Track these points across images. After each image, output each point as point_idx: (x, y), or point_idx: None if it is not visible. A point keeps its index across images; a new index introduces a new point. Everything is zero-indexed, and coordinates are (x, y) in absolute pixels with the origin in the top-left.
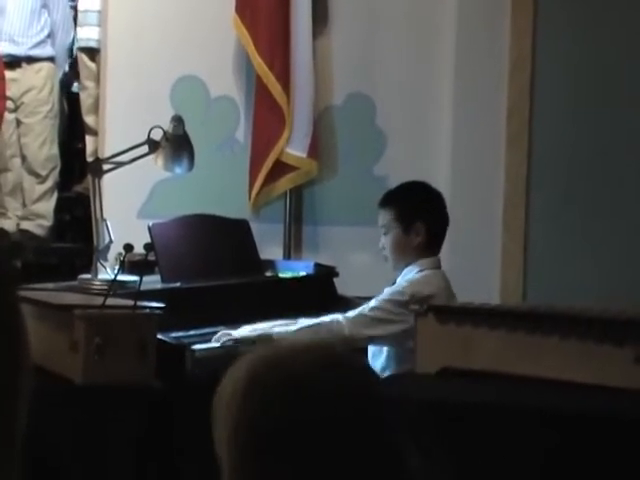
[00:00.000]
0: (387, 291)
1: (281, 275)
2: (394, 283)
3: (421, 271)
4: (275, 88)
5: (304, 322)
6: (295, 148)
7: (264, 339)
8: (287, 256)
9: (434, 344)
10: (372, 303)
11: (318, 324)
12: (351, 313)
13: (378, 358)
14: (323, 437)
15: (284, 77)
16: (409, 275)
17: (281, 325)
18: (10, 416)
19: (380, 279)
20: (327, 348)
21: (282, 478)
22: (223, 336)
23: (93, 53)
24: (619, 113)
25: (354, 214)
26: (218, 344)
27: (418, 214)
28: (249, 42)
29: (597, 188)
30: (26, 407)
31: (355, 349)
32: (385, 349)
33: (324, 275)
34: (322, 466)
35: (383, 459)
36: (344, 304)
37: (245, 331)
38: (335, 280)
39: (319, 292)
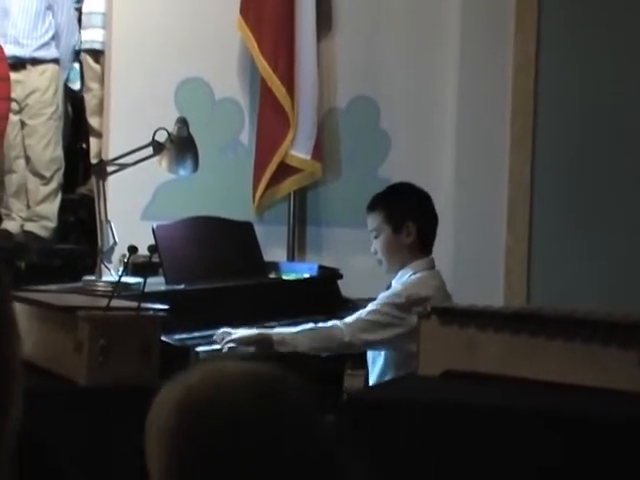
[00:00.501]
0: (383, 295)
1: (285, 277)
2: (388, 287)
3: (415, 273)
4: (279, 90)
5: (305, 326)
6: (299, 150)
7: (263, 339)
8: (291, 258)
9: (437, 346)
10: (369, 307)
11: (318, 329)
12: (349, 319)
13: (377, 362)
14: (254, 468)
15: (288, 79)
16: (404, 278)
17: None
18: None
19: (383, 281)
20: (257, 376)
21: None
22: (224, 335)
23: (97, 55)
24: (623, 116)
25: (358, 216)
26: (219, 346)
27: (408, 214)
28: (253, 44)
29: (601, 190)
30: (17, 406)
31: (353, 354)
32: (383, 354)
33: (328, 277)
34: None
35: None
36: (348, 306)
37: (245, 331)
38: (339, 282)
39: (323, 294)
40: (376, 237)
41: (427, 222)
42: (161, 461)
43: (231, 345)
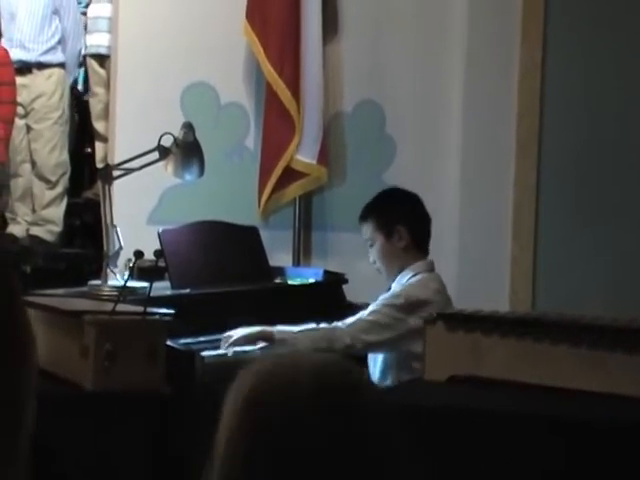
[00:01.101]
0: (382, 297)
1: (290, 282)
2: (389, 290)
3: (415, 275)
4: (285, 95)
5: (306, 326)
6: (305, 155)
7: (265, 336)
8: (296, 263)
9: (443, 352)
10: (369, 309)
11: (319, 329)
12: (350, 320)
13: (377, 363)
14: (313, 465)
15: (294, 84)
16: (403, 280)
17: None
18: (14, 420)
19: (387, 286)
20: (324, 366)
21: None
22: (226, 338)
23: (103, 59)
24: (629, 119)
25: None
26: (224, 350)
27: (396, 218)
28: (259, 49)
29: (607, 195)
30: (31, 410)
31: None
32: (381, 355)
33: (333, 282)
34: None
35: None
36: (353, 311)
37: (246, 329)
38: (344, 287)
39: (328, 299)
40: (371, 246)
41: (418, 223)
42: (226, 447)
43: (235, 348)
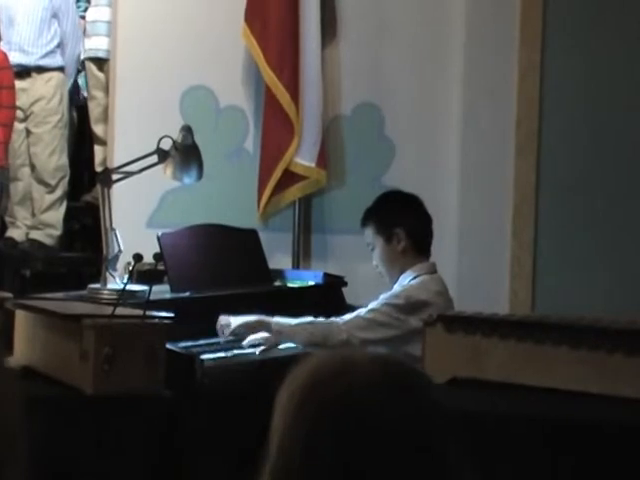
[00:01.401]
0: (383, 296)
1: (290, 285)
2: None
3: (416, 277)
4: (284, 98)
5: (304, 319)
6: (304, 157)
7: (262, 324)
8: (296, 265)
9: (443, 354)
10: (369, 307)
11: (316, 323)
12: (348, 316)
13: None
14: (373, 454)
15: (293, 87)
16: (404, 282)
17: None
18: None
19: (388, 288)
20: (383, 360)
21: None
22: (222, 327)
23: (101, 63)
24: (628, 122)
25: None
26: (221, 339)
27: (394, 221)
28: (258, 52)
29: (607, 197)
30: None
31: None
32: None
33: (333, 285)
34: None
35: (432, 474)
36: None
37: (244, 317)
38: (344, 289)
39: (328, 302)
40: (373, 250)
41: (416, 225)
42: (281, 436)
43: (231, 337)
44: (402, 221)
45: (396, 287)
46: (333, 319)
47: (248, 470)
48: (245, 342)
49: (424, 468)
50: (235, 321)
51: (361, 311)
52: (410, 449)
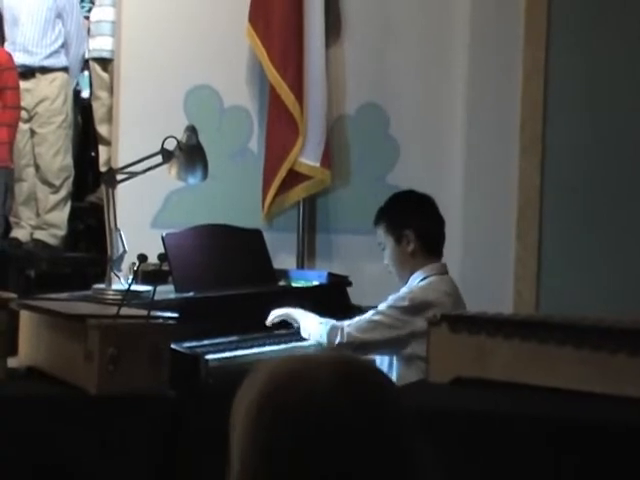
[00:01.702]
0: (390, 297)
1: (294, 284)
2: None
3: (425, 278)
4: (288, 98)
5: (325, 320)
6: (308, 157)
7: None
8: (300, 265)
9: (447, 354)
10: (375, 309)
11: (327, 324)
12: (353, 319)
13: (383, 364)
14: (335, 458)
15: (297, 87)
16: (414, 283)
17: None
18: None
19: (393, 288)
20: (344, 362)
21: None
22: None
23: (105, 63)
24: (633, 123)
25: (367, 223)
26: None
27: (403, 223)
28: (262, 52)
29: (611, 197)
30: None
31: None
32: (386, 357)
33: (337, 284)
34: None
35: (395, 474)
36: (357, 313)
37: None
38: (348, 289)
39: (332, 301)
40: (383, 249)
41: (427, 227)
42: (243, 446)
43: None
44: (412, 223)
45: (404, 289)
46: (341, 322)
47: None
48: (269, 319)
49: (389, 471)
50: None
51: (368, 314)
52: (374, 452)
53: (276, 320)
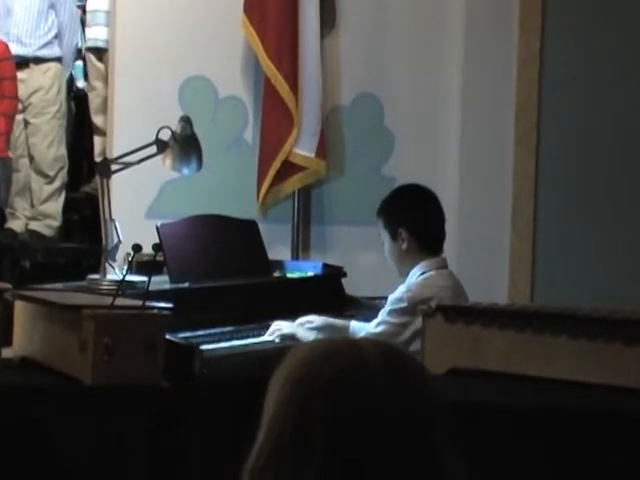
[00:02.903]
0: (389, 300)
1: (289, 275)
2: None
3: (423, 273)
4: (283, 88)
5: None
6: (303, 148)
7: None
8: (295, 256)
9: (442, 344)
10: (377, 319)
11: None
12: (360, 335)
13: None
14: (366, 435)
15: (292, 77)
16: (412, 279)
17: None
18: None
19: (388, 279)
20: (388, 349)
21: (316, 471)
22: (275, 331)
23: (101, 53)
24: (628, 111)
25: (362, 214)
26: (271, 338)
27: (398, 221)
28: (257, 43)
29: (606, 187)
30: None
31: None
32: None
33: (332, 275)
34: (361, 464)
35: (423, 462)
36: (352, 304)
37: (293, 326)
38: (343, 280)
39: (327, 292)
40: (382, 242)
41: (422, 225)
42: (275, 416)
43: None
44: (406, 221)
45: (401, 287)
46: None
47: (246, 460)
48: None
49: (420, 456)
50: (285, 330)
51: (370, 327)
52: (407, 436)
53: (278, 339)
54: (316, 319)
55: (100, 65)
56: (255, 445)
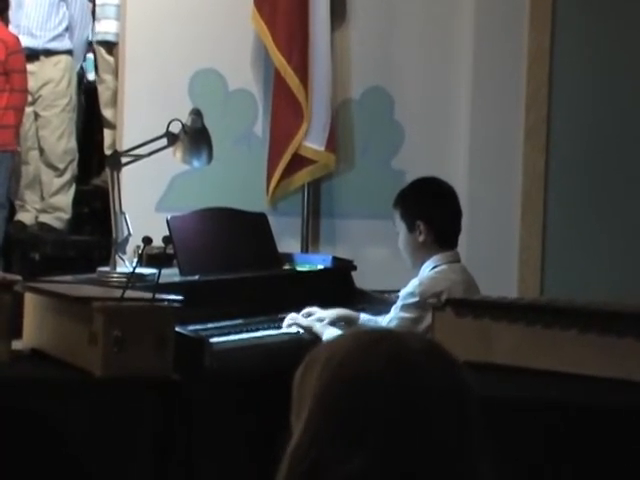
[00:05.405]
0: (401, 295)
1: (299, 268)
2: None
3: (436, 267)
4: (293, 81)
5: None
6: (313, 141)
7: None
8: (305, 249)
9: (452, 338)
10: (390, 314)
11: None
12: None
13: None
14: (401, 426)
15: (302, 70)
16: (424, 272)
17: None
18: None
19: (397, 272)
20: (433, 342)
21: (354, 460)
22: (292, 324)
23: (110, 46)
24: (637, 106)
25: (372, 207)
26: (292, 330)
27: (416, 213)
28: (267, 36)
29: (616, 182)
30: None
31: None
32: None
33: (342, 268)
34: (395, 454)
35: (457, 457)
36: (361, 297)
37: (310, 320)
38: (353, 273)
39: (337, 285)
40: (398, 233)
41: (440, 219)
42: (310, 407)
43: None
44: (425, 214)
45: (414, 280)
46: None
47: (256, 453)
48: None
49: (461, 447)
50: (304, 322)
51: (383, 322)
52: (450, 420)
53: (293, 328)
54: (323, 312)
55: (110, 58)
56: (295, 432)
